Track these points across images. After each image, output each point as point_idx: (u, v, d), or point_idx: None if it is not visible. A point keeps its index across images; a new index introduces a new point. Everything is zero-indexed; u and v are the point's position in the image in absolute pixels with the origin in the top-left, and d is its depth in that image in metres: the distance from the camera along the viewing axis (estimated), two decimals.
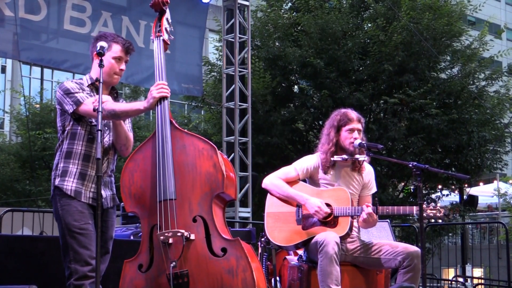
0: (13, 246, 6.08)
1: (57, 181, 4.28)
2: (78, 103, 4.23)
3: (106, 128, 4.40)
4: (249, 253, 4.05)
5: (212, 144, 4.25)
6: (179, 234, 4.05)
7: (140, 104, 4.31)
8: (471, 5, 16.97)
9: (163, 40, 4.57)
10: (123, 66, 4.43)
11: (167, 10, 4.67)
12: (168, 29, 4.64)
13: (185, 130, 4.39)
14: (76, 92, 4.26)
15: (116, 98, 4.51)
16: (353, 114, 5.22)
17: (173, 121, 4.34)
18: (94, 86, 4.38)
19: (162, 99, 4.29)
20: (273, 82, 15.57)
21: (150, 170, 4.24)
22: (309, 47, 15.41)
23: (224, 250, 4.05)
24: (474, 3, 17.30)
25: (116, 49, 4.38)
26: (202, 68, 13.15)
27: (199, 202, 4.14)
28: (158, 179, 4.16)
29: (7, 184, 20.09)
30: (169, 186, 4.14)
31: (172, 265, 4.02)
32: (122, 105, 4.34)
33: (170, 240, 4.07)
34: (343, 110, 5.28)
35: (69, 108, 4.26)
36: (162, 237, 4.09)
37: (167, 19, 4.66)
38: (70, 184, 4.25)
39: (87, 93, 4.31)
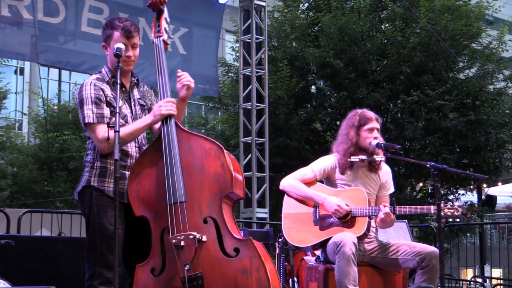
0: (31, 247, 6.13)
1: (95, 182, 4.13)
2: (84, 122, 4.12)
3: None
4: (262, 252, 4.00)
5: (219, 144, 4.18)
6: (191, 236, 3.99)
7: (146, 120, 4.20)
8: (489, 6, 16.83)
9: (163, 40, 4.44)
10: (129, 53, 4.21)
11: (165, 10, 4.55)
12: (167, 28, 4.51)
13: (190, 131, 4.30)
14: (88, 109, 4.10)
15: (137, 84, 4.42)
16: (371, 113, 5.24)
17: (178, 122, 4.25)
18: (114, 78, 4.21)
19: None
20: (292, 82, 15.55)
21: (157, 174, 4.16)
22: (329, 48, 15.37)
23: (236, 250, 4.00)
24: (493, 3, 17.13)
25: (116, 37, 4.19)
26: (219, 69, 13.13)
27: (209, 203, 4.08)
28: (167, 182, 4.08)
29: (26, 185, 20.14)
30: (179, 188, 4.06)
31: (186, 268, 3.96)
32: (127, 128, 4.15)
33: (182, 243, 4.00)
34: (360, 111, 5.29)
35: (81, 120, 4.17)
36: (174, 241, 4.01)
37: (165, 19, 4.52)
38: (112, 186, 4.11)
39: (108, 99, 4.15)
